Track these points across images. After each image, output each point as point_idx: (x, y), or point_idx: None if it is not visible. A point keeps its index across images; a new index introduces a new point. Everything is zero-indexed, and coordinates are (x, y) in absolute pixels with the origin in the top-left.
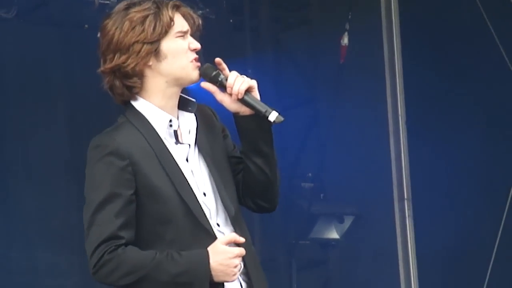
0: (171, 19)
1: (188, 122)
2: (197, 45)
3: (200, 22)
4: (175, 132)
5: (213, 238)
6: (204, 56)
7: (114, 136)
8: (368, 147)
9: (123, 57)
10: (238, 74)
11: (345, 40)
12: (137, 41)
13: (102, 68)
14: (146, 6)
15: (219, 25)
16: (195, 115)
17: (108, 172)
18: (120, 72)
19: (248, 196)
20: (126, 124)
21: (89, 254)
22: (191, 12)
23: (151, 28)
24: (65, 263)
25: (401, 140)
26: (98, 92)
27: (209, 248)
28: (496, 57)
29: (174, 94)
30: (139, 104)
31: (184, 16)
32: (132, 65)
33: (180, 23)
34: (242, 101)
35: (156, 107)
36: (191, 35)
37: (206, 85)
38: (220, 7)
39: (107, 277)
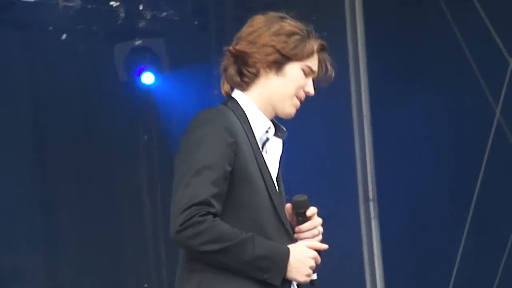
0: (312, 52)
1: (275, 145)
2: (311, 91)
3: (332, 76)
4: (265, 142)
5: (292, 238)
6: (170, 56)
7: (227, 114)
8: (332, 147)
9: (253, 49)
10: (318, 227)
11: None
12: (273, 46)
13: (230, 48)
14: (300, 27)
15: (184, 27)
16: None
17: (216, 142)
18: (242, 59)
19: None
20: (228, 111)
21: (177, 212)
22: (329, 64)
23: (293, 44)
24: (29, 265)
25: (366, 140)
26: (62, 93)
27: (290, 246)
28: (458, 55)
29: (271, 110)
30: (243, 100)
31: (321, 61)
32: (255, 59)
33: (315, 62)
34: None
35: (258, 109)
36: (313, 79)
37: (288, 206)
38: (184, 9)
39: (191, 238)
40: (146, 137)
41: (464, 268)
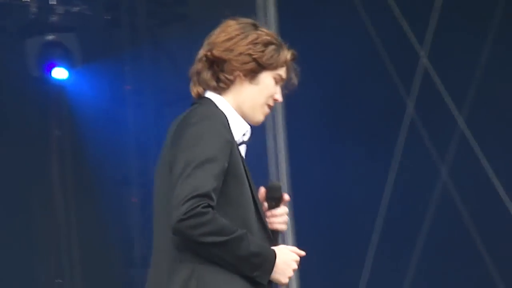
0: (286, 61)
1: (242, 149)
2: (280, 98)
3: (296, 83)
4: (238, 145)
5: (271, 240)
6: (83, 51)
7: (222, 114)
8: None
9: (230, 56)
10: (287, 212)
11: None
12: (250, 55)
13: (208, 53)
14: (273, 35)
15: (96, 22)
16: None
17: (217, 138)
18: (218, 65)
19: None
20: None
21: (180, 202)
22: (296, 72)
23: (269, 54)
24: None
25: (279, 136)
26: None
27: (275, 248)
28: (370, 47)
29: (242, 116)
30: (221, 103)
31: (289, 68)
32: (232, 67)
33: (285, 71)
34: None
35: (236, 113)
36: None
37: (262, 190)
38: (96, 4)
39: (194, 228)
40: (58, 132)
41: (377, 264)
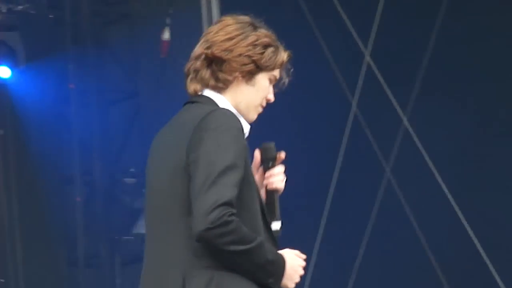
0: (282, 63)
1: None
2: (272, 98)
3: (286, 83)
4: None
5: (276, 241)
6: (26, 50)
7: (236, 117)
8: None
9: (229, 56)
10: (284, 171)
11: (166, 35)
12: (249, 56)
13: (207, 51)
14: (271, 36)
15: (39, 20)
16: None
17: (236, 144)
18: (217, 64)
19: None
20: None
21: (207, 210)
22: (288, 71)
23: (268, 57)
24: None
25: None
26: None
27: (283, 252)
28: (314, 47)
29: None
30: (221, 102)
31: (283, 68)
32: (231, 67)
33: (278, 72)
34: (268, 192)
35: (238, 112)
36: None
37: (257, 153)
38: (40, 3)
39: (221, 237)
40: (1, 131)
41: (322, 262)
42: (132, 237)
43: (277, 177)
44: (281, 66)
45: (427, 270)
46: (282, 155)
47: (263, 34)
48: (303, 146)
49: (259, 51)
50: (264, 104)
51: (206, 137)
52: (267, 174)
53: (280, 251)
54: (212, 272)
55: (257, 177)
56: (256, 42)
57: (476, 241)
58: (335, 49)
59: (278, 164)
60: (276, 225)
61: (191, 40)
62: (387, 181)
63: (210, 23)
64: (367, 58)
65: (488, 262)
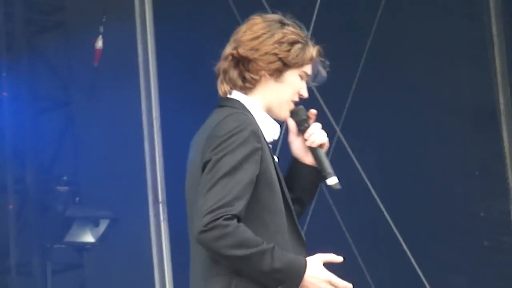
0: (311, 59)
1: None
2: (305, 94)
3: (324, 77)
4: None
5: (303, 243)
6: None
7: (252, 119)
8: (123, 150)
9: (256, 55)
10: (320, 128)
11: (99, 43)
12: (276, 54)
13: (234, 51)
14: (299, 33)
15: None
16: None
17: (244, 147)
18: (244, 64)
19: None
20: (248, 114)
21: (203, 213)
22: (322, 65)
23: (295, 53)
24: None
25: (156, 142)
26: None
27: (308, 259)
28: None
29: (269, 113)
30: (250, 103)
31: (315, 63)
32: (258, 66)
33: (310, 67)
34: (313, 151)
35: (265, 112)
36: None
37: (290, 121)
38: None
39: (215, 240)
40: None
41: None
42: (63, 245)
43: (315, 134)
44: (310, 61)
45: (357, 270)
46: (313, 111)
47: (290, 31)
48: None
49: (286, 48)
50: (296, 99)
51: (215, 144)
52: (306, 135)
53: (308, 258)
54: (231, 278)
55: (299, 145)
56: (283, 40)
57: (402, 241)
58: None
59: (312, 122)
60: (331, 181)
61: (124, 48)
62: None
63: (144, 30)
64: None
65: (413, 261)
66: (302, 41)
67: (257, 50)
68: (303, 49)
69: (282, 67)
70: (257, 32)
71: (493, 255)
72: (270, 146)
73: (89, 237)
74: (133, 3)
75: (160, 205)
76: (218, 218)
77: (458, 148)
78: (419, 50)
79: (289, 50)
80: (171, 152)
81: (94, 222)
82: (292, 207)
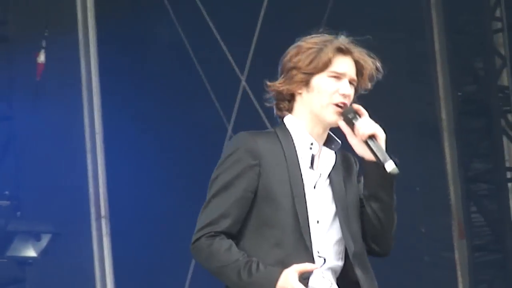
0: (330, 59)
1: (328, 156)
2: (346, 91)
3: (375, 66)
4: (313, 157)
5: (311, 257)
6: None
7: (256, 137)
8: (65, 165)
9: (281, 79)
10: (369, 119)
11: (41, 58)
12: (294, 67)
13: (270, 84)
14: (317, 40)
15: None
16: (337, 154)
17: (236, 165)
18: (277, 95)
19: (364, 238)
20: (271, 133)
21: (196, 229)
22: (364, 57)
23: (308, 59)
24: None
25: (98, 158)
26: None
27: (284, 271)
28: (193, 73)
29: (318, 126)
30: (289, 121)
31: (354, 59)
32: (284, 88)
33: (340, 64)
34: (367, 144)
35: (303, 128)
36: (362, 77)
37: (342, 124)
38: None
39: (196, 256)
40: None
41: (196, 283)
42: (5, 260)
43: (362, 127)
44: (330, 62)
45: None
46: (355, 106)
47: (306, 42)
48: (179, 168)
49: (300, 59)
50: (337, 100)
51: (216, 166)
52: (355, 131)
53: (286, 269)
54: None
55: (357, 143)
56: (298, 52)
57: None
58: (212, 73)
59: (360, 115)
60: (388, 167)
61: (67, 62)
62: None
63: (87, 44)
64: (243, 83)
65: None
66: (316, 46)
67: (282, 72)
68: (317, 52)
69: (303, 76)
70: (284, 59)
71: (434, 271)
72: (301, 159)
73: (31, 252)
74: (76, 18)
75: (103, 220)
76: (201, 236)
77: (399, 163)
78: None
79: (302, 59)
80: (113, 167)
81: (36, 237)
82: (303, 218)
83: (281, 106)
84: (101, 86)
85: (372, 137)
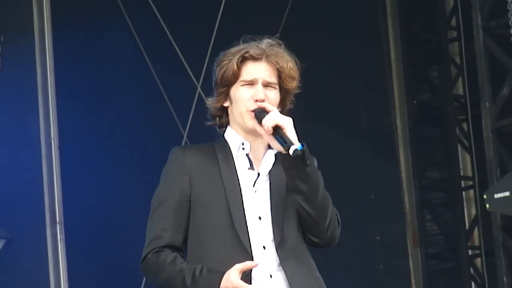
0: (238, 69)
1: (270, 158)
2: (259, 96)
3: (291, 65)
4: (249, 159)
5: (250, 255)
6: None
7: (185, 150)
8: (20, 169)
9: (214, 100)
10: (275, 113)
11: None
12: (216, 83)
13: (207, 102)
14: (233, 51)
15: None
16: (278, 156)
17: (167, 178)
18: (211, 109)
19: (303, 232)
20: (208, 145)
21: (144, 247)
22: (278, 59)
23: (221, 74)
24: None
25: (54, 163)
26: None
27: (226, 272)
28: (149, 80)
29: (247, 133)
30: (227, 133)
31: (268, 62)
32: (213, 105)
33: (249, 72)
34: (272, 134)
35: (236, 133)
36: (282, 78)
37: (256, 126)
38: None
39: (145, 273)
40: None
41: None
42: None
43: (267, 120)
44: (238, 71)
45: None
46: (262, 105)
47: (222, 56)
48: (136, 176)
49: (216, 74)
50: (253, 107)
51: None
52: (264, 123)
53: (227, 271)
54: None
55: (270, 138)
56: (217, 67)
57: None
58: (167, 82)
59: (267, 112)
60: (291, 152)
61: (23, 69)
62: None
63: (43, 50)
64: (199, 90)
65: None
66: (229, 58)
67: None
68: (227, 64)
69: (224, 90)
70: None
71: (389, 279)
72: (238, 164)
73: None
74: (32, 22)
75: (58, 226)
76: (147, 254)
77: (354, 171)
78: (318, 72)
79: (216, 74)
80: (69, 172)
81: None
82: (240, 221)
83: (218, 122)
84: (57, 92)
85: (277, 128)
